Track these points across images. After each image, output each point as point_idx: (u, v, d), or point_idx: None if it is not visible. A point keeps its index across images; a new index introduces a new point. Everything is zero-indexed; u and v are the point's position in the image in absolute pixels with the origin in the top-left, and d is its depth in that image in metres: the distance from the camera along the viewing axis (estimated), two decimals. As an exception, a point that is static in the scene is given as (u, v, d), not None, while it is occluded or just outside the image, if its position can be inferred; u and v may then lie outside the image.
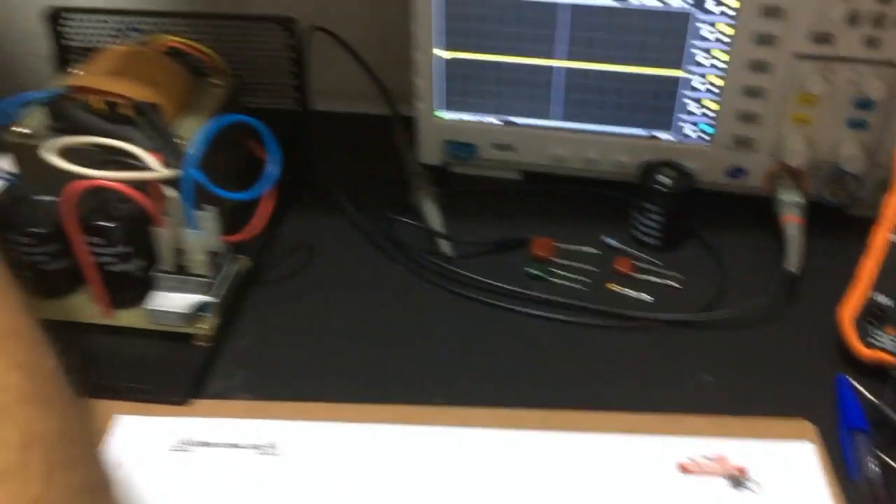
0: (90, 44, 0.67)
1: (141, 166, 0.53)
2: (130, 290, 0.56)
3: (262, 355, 0.55)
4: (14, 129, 0.56)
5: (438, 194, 0.67)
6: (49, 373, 0.38)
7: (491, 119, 0.67)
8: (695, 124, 0.64)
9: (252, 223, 0.56)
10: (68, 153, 0.52)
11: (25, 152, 0.55)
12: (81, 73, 0.59)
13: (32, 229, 0.54)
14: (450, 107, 0.67)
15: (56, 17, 0.67)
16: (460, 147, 0.69)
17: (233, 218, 0.56)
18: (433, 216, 0.66)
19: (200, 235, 0.54)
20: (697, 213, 0.64)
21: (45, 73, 0.68)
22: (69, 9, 0.67)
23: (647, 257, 0.63)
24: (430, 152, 0.70)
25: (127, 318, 0.56)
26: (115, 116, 0.55)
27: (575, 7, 0.60)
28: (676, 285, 0.61)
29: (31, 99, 0.56)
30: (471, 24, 0.63)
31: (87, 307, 0.56)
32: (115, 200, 0.53)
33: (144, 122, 0.55)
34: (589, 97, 0.64)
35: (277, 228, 0.64)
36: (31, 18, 0.70)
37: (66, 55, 0.68)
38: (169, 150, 0.54)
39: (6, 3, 0.83)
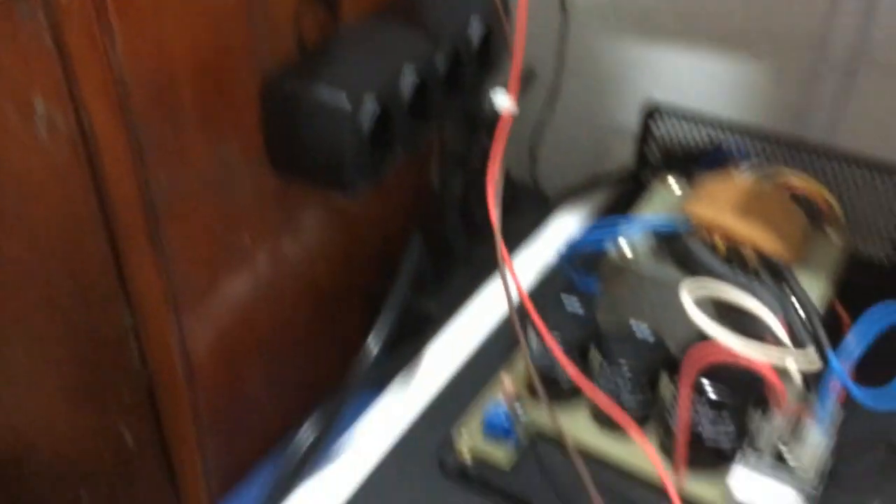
0: (675, 149, 0.63)
1: (763, 331, 0.47)
2: (708, 456, 0.50)
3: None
4: (621, 249, 0.52)
5: None
6: None
7: None
8: None
9: None
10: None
11: (621, 276, 0.52)
12: (700, 202, 0.54)
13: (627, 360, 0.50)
14: None
15: (651, 114, 0.64)
16: None
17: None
18: None
19: (818, 440, 0.47)
20: None
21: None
22: (668, 109, 0.63)
23: None
24: None
25: (698, 487, 0.50)
26: (736, 265, 0.50)
27: None
28: None
29: (651, 227, 0.52)
30: None
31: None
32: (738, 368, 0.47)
33: (768, 278, 0.49)
34: None
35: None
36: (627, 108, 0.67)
37: (646, 155, 0.65)
38: (796, 322, 0.47)
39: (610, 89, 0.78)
